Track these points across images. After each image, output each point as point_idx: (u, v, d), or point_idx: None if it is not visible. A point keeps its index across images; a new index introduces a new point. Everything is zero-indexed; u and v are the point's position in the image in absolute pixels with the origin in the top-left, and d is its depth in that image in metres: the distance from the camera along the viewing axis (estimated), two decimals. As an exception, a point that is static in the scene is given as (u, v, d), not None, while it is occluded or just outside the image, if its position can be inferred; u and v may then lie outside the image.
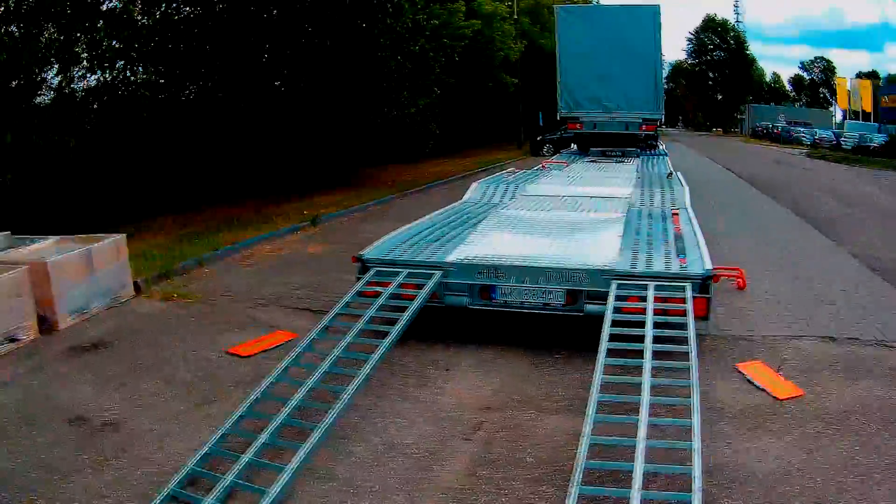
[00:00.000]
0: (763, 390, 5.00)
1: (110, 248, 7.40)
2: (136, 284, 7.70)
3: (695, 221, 7.72)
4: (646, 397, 3.96)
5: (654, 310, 5.09)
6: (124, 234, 7.62)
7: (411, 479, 3.81)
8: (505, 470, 3.89)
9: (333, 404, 4.06)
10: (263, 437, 3.90)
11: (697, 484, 3.29)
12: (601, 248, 6.33)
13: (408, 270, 5.89)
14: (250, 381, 5.13)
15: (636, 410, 3.86)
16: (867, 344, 6.02)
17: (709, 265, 5.66)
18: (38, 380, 5.38)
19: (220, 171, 14.17)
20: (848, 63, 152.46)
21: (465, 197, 9.70)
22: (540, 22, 35.69)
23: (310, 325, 6.21)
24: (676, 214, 8.31)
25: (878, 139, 37.16)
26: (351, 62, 14.93)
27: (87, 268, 7.05)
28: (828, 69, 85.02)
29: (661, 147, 18.67)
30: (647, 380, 4.15)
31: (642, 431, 3.66)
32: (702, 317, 5.45)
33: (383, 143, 19.67)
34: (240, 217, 11.93)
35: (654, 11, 16.13)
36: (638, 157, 16.24)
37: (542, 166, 14.00)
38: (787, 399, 4.87)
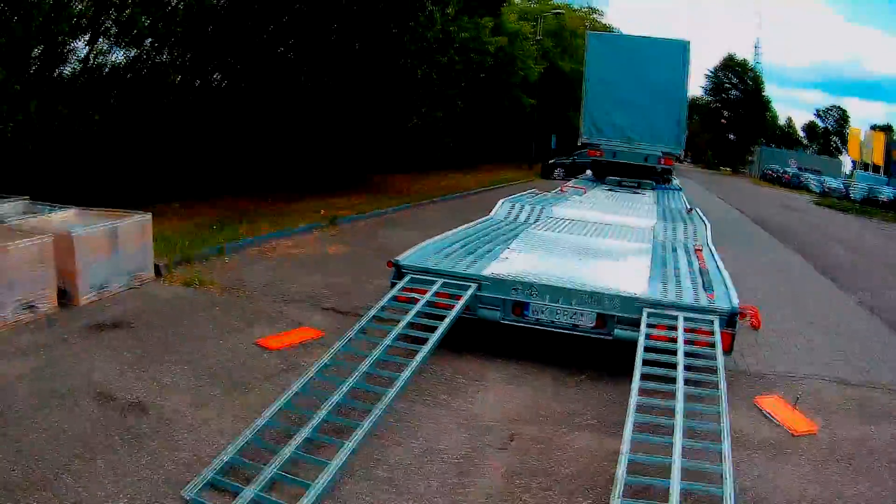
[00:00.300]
0: (780, 425, 5.27)
1: (135, 227, 7.56)
2: (156, 267, 7.85)
3: (718, 258, 7.97)
4: (679, 420, 4.17)
5: (684, 340, 5.31)
6: (150, 215, 7.76)
7: (451, 483, 3.98)
8: (541, 481, 4.08)
9: (374, 405, 4.22)
10: (306, 432, 4.02)
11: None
12: (631, 276, 6.57)
13: (443, 280, 6.08)
14: (279, 374, 5.33)
15: (668, 432, 4.09)
16: (877, 388, 6.36)
17: (736, 302, 5.89)
18: (59, 352, 5.46)
19: (236, 163, 14.32)
20: (863, 113, 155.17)
21: (492, 213, 9.92)
22: (562, 45, 36.21)
23: (336, 324, 6.47)
24: (699, 250, 8.56)
25: (886, 193, 37.95)
26: (377, 67, 15.14)
27: (111, 245, 7.20)
28: (842, 118, 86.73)
29: (675, 182, 18.93)
30: (680, 404, 4.36)
31: (677, 451, 3.87)
32: (726, 351, 5.66)
33: (396, 150, 19.90)
34: (255, 210, 12.10)
35: (684, 46, 16.45)
36: (653, 189, 16.49)
37: (561, 190, 14.24)
38: (803, 434, 5.17)
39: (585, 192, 14.29)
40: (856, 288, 11.33)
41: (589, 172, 19.15)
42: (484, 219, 9.49)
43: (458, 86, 17.81)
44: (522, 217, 9.95)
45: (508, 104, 28.18)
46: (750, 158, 77.15)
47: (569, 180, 19.04)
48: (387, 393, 4.33)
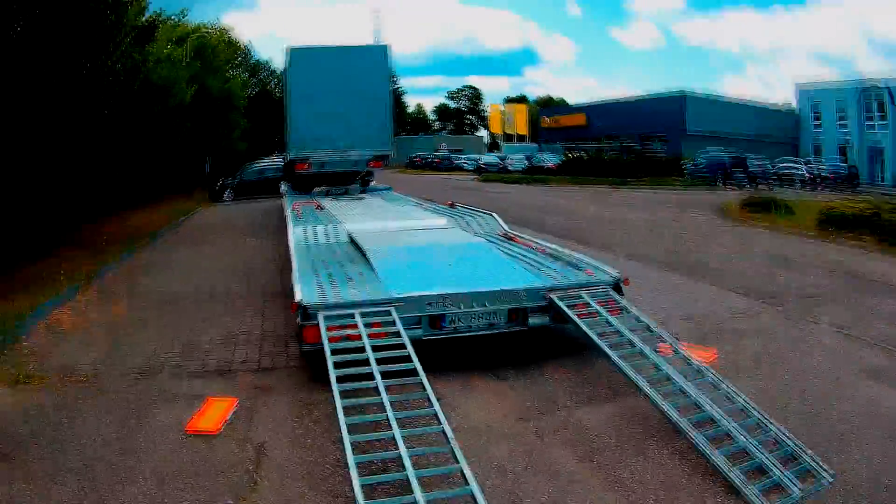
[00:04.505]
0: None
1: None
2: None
3: (544, 241, 9.57)
4: (669, 369, 5.67)
5: (606, 311, 6.71)
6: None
7: (559, 478, 4.74)
8: (608, 454, 5.10)
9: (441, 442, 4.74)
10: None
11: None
12: (509, 270, 7.82)
13: (359, 311, 6.47)
14: (253, 457, 5.16)
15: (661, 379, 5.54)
16: (714, 316, 8.87)
17: (617, 272, 7.57)
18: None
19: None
20: (489, 89, 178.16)
21: (292, 241, 10.08)
22: (206, 64, 36.15)
23: (234, 385, 6.63)
24: (515, 238, 10.09)
25: (552, 160, 45.59)
26: (68, 109, 14.05)
27: None
28: (475, 97, 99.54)
29: (372, 183, 20.45)
30: (656, 358, 5.88)
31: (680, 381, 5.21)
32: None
33: (79, 199, 18.46)
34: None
35: (384, 50, 18.05)
36: (366, 192, 17.99)
37: (294, 208, 14.73)
38: (712, 360, 6.93)
39: (320, 207, 14.94)
40: (618, 248, 14.13)
41: (283, 186, 19.82)
42: (296, 245, 9.68)
43: (150, 118, 17.08)
44: (322, 238, 10.39)
45: (169, 132, 27.45)
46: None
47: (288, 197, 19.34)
48: (444, 429, 4.80)
